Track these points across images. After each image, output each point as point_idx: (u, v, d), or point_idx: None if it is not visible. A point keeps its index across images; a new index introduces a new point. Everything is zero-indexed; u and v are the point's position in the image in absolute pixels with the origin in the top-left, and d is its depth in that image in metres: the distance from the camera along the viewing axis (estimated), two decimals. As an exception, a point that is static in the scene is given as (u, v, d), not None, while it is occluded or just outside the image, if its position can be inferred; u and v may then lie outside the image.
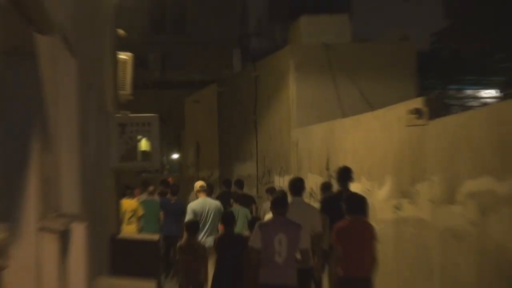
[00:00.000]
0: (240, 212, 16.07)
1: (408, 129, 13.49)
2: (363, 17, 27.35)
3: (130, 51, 18.23)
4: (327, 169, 16.80)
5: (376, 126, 14.94)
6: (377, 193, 14.75)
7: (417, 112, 13.15)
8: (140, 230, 16.97)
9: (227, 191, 19.26)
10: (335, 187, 14.25)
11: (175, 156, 32.07)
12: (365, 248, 10.94)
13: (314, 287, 12.75)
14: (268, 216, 11.49)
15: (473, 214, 11.45)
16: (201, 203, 14.64)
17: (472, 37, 23.89)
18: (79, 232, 5.38)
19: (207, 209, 14.47)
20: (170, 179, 19.15)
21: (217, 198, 17.52)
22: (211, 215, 14.47)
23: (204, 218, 14.31)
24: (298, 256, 10.24)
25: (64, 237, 5.10)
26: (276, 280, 10.04)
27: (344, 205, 11.16)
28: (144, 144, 12.55)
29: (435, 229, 12.63)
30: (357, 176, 15.57)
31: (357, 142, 15.62)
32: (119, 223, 15.16)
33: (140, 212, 17.02)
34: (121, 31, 18.03)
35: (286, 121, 19.32)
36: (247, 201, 18.03)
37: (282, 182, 19.18)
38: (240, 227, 14.95)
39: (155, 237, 12.47)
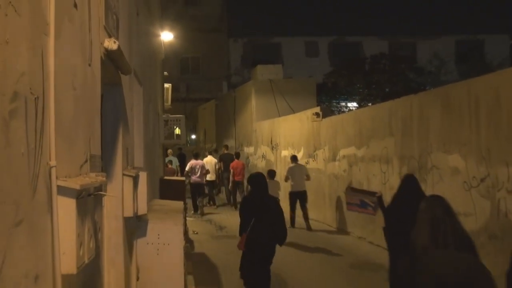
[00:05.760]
0: (174, 159, 17.48)
1: (312, 123, 13.54)
2: (289, 65, 27.32)
3: (170, 83, 18.05)
4: (271, 143, 16.79)
5: (296, 122, 14.95)
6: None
7: (317, 114, 13.19)
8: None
9: (182, 153, 21.00)
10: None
11: (193, 136, 31.85)
12: (240, 171, 15.29)
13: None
14: (192, 161, 14.61)
15: (345, 166, 11.54)
16: (171, 158, 16.83)
17: (343, 76, 24.00)
18: (143, 176, 5.32)
19: (175, 161, 17.05)
20: (170, 151, 18.17)
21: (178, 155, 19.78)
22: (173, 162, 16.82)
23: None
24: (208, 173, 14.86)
25: (135, 179, 5.04)
26: (196, 181, 14.50)
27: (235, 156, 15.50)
28: (177, 130, 12.43)
29: (326, 174, 12.73)
30: (286, 147, 15.62)
31: (286, 130, 15.62)
32: (164, 171, 14.99)
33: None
34: (165, 73, 17.82)
35: (250, 119, 19.27)
36: (182, 157, 19.90)
37: (248, 150, 19.11)
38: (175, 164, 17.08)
39: (183, 178, 12.32)
